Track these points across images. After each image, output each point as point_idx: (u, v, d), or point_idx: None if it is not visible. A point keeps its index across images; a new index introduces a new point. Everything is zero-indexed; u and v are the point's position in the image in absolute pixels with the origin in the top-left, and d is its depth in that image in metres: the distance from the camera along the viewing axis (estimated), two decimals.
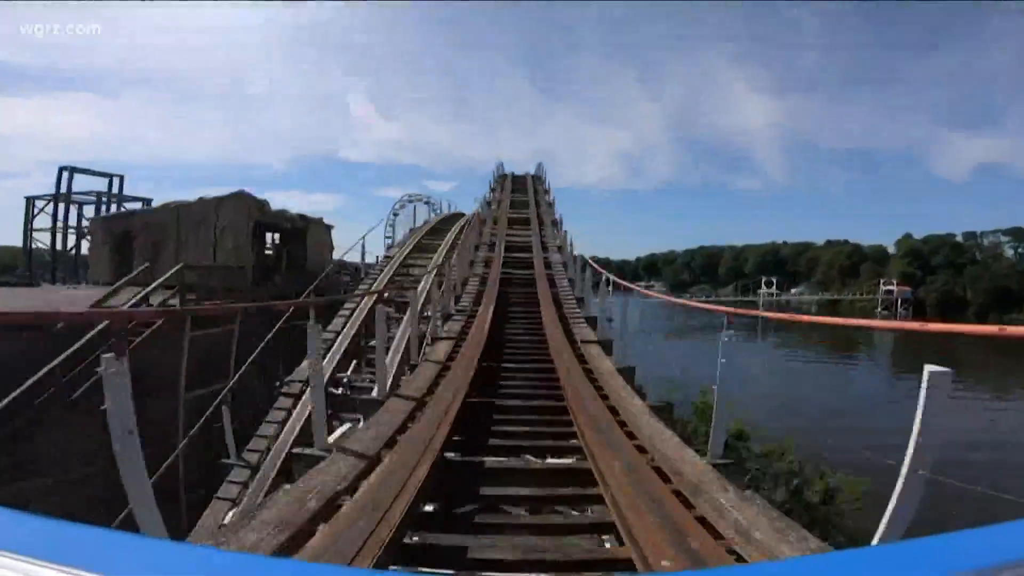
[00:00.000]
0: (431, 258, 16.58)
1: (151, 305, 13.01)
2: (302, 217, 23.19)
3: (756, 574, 0.81)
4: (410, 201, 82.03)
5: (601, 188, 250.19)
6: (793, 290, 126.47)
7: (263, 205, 20.45)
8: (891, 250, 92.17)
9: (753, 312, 8.44)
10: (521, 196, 26.49)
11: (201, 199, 19.90)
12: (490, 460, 3.45)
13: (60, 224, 29.71)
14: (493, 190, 27.58)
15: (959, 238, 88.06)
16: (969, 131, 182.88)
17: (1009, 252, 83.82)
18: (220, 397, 9.35)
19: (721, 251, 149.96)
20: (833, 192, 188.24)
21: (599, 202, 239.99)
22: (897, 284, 74.97)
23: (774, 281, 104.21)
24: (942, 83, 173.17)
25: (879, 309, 75.41)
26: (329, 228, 24.94)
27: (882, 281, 76.95)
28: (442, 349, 6.73)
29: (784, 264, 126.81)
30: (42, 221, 30.18)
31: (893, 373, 38.60)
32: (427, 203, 78.61)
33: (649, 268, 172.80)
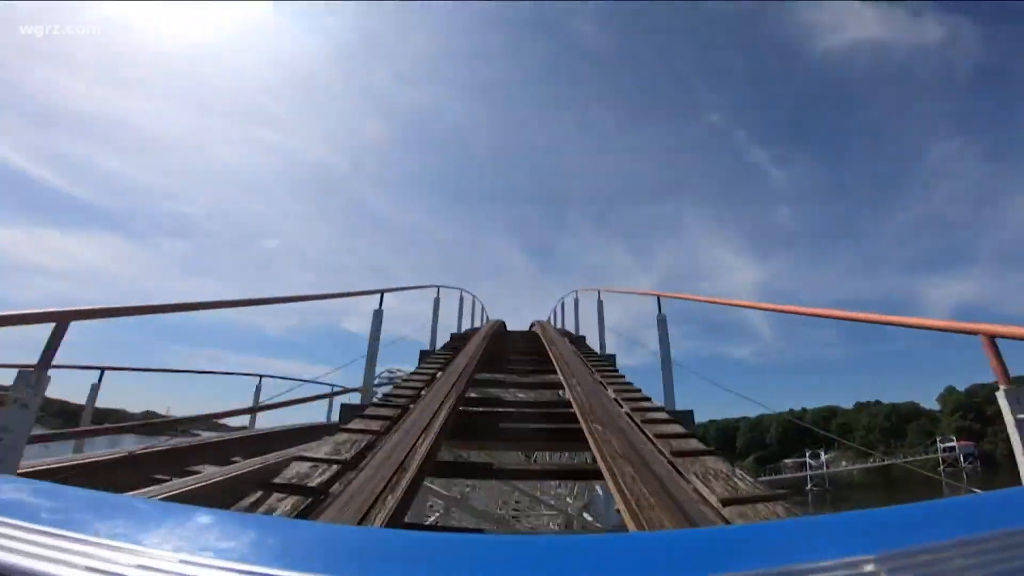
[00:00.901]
0: None
1: None
2: None
3: (737, 534, 0.83)
4: (389, 380, 75.15)
5: None
6: (823, 455, 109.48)
7: None
8: (924, 405, 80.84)
9: None
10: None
11: None
12: None
13: None
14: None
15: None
16: (940, 274, 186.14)
17: None
18: None
19: (736, 422, 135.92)
20: (825, 353, 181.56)
21: None
22: (958, 440, 62.55)
23: (821, 451, 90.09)
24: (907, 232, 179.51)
25: (942, 467, 61.63)
26: None
27: (939, 439, 64.38)
28: None
29: (808, 431, 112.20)
30: None
31: None
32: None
33: None
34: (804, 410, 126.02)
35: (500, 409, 4.62)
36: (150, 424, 6.89)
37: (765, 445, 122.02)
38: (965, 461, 61.88)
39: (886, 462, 61.16)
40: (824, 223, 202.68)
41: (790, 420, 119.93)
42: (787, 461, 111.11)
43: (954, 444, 62.89)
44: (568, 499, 8.69)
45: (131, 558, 0.60)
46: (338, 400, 9.57)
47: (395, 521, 2.07)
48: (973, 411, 67.64)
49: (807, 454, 63.08)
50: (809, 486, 56.19)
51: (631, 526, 2.03)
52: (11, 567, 0.60)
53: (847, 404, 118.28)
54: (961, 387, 74.87)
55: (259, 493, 2.05)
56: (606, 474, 2.53)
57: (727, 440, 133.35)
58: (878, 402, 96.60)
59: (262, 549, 0.65)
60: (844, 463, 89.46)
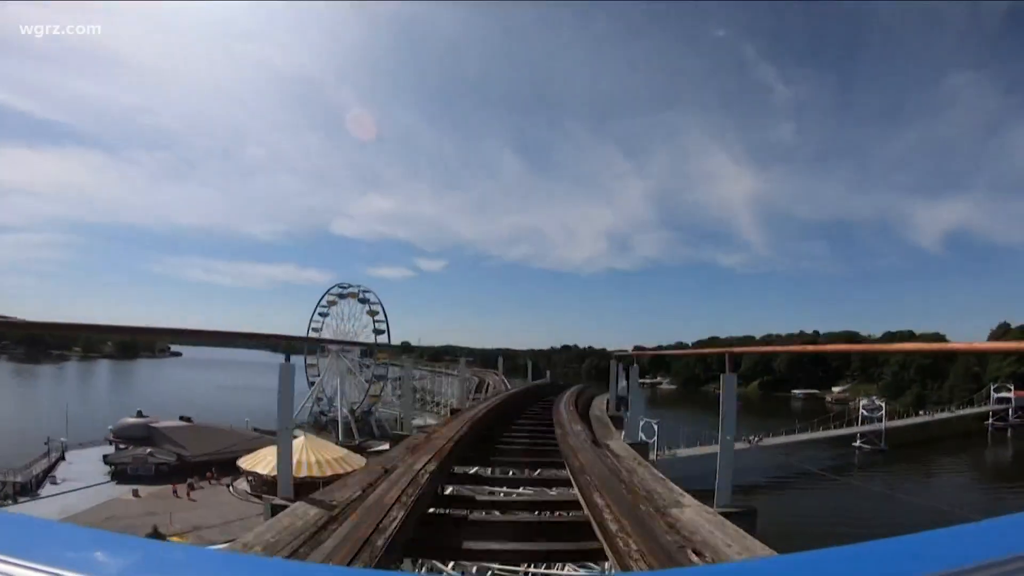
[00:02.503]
0: None
1: None
2: None
3: (735, 572, 0.85)
4: (342, 295, 62.92)
5: (587, 268, 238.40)
6: (836, 389, 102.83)
7: None
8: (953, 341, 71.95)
9: None
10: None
11: None
12: None
13: None
14: None
15: None
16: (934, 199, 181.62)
17: None
18: None
19: (741, 342, 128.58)
20: (817, 269, 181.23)
21: (585, 283, 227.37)
22: (1015, 391, 53.62)
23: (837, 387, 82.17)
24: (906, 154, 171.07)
25: (990, 422, 53.71)
26: None
27: (993, 387, 55.38)
28: None
29: (823, 359, 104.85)
30: None
31: None
32: (362, 300, 58.60)
33: (656, 361, 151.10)
34: (816, 334, 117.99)
35: None
36: None
37: (772, 370, 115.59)
38: (1014, 415, 53.90)
39: (935, 416, 53.07)
40: (826, 141, 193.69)
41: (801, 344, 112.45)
42: (797, 392, 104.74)
43: (1010, 396, 54.15)
44: None
45: None
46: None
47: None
48: None
49: (862, 404, 53.47)
50: (858, 442, 47.33)
51: None
52: None
53: (870, 331, 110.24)
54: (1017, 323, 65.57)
55: None
56: None
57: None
58: (912, 333, 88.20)
59: None
60: (863, 399, 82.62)
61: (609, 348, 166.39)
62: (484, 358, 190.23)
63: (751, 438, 48.17)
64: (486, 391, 44.69)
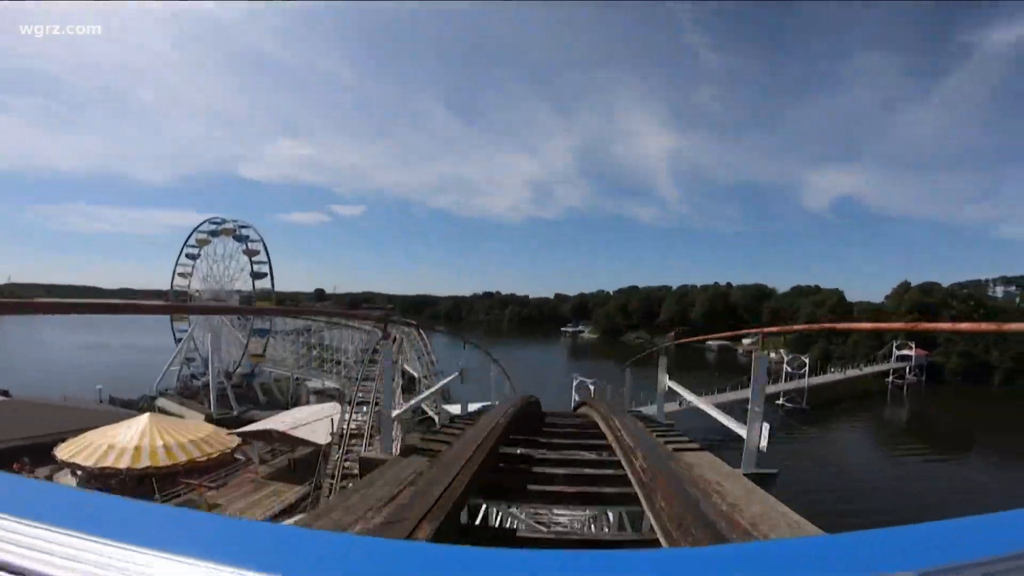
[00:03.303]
0: None
1: None
2: None
3: (754, 552, 0.84)
4: (214, 233, 52.02)
5: (511, 216, 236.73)
6: (746, 341, 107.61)
7: None
8: (872, 301, 75.48)
9: None
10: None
11: None
12: None
13: None
14: None
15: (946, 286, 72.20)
16: (829, 168, 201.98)
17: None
18: None
19: (659, 292, 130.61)
20: (728, 228, 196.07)
21: (509, 231, 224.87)
22: (915, 348, 55.77)
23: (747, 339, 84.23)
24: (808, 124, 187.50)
25: (890, 379, 55.98)
26: None
27: (895, 344, 57.23)
28: None
29: (735, 310, 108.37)
30: None
31: None
32: (239, 238, 49.21)
33: (578, 310, 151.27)
34: (730, 286, 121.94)
35: None
36: None
37: (689, 320, 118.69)
38: (910, 373, 56.73)
39: (848, 373, 53.89)
40: (746, 108, 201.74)
41: (716, 296, 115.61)
42: (711, 343, 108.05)
43: (911, 353, 56.52)
44: None
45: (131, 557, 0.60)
46: None
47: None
48: (927, 313, 61.51)
49: (786, 359, 51.92)
50: (781, 400, 45.89)
51: None
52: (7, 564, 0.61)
53: (779, 285, 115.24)
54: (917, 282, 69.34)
55: None
56: None
57: (649, 312, 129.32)
58: (818, 288, 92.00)
59: (273, 555, 0.64)
60: (770, 353, 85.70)
61: (532, 296, 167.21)
62: (405, 305, 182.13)
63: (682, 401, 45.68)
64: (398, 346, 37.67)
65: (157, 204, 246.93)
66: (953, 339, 57.18)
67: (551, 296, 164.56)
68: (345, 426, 23.48)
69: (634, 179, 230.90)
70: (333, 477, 19.98)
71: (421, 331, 55.31)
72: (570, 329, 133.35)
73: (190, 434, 29.73)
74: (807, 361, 48.60)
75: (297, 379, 49.23)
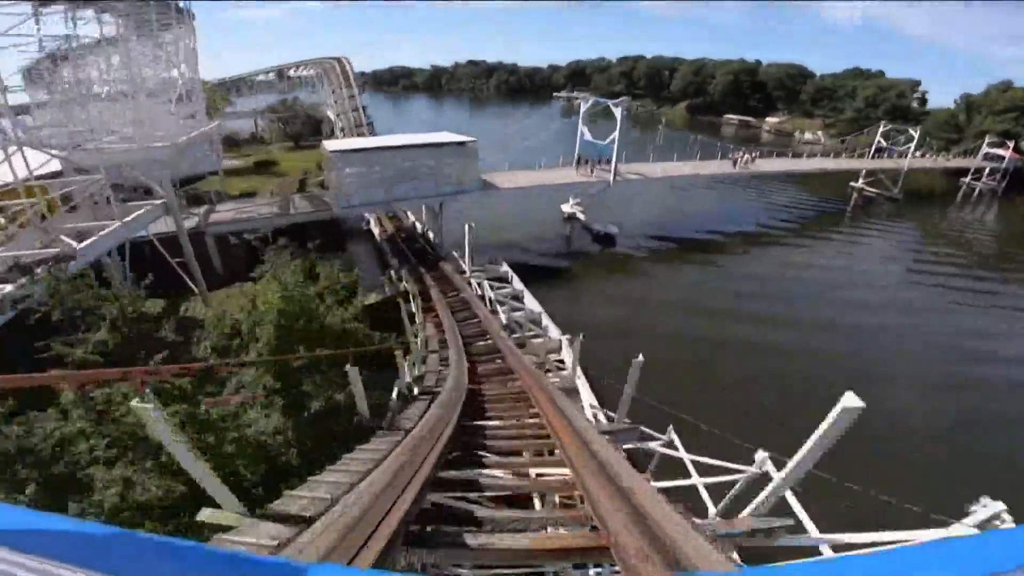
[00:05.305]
0: None
1: None
2: None
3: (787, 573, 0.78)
4: None
5: None
6: (771, 120, 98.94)
7: None
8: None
9: None
10: None
11: None
12: None
13: None
14: None
15: None
16: None
17: None
18: None
19: (671, 63, 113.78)
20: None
21: None
22: (1012, 150, 50.12)
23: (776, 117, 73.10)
24: None
25: (967, 179, 51.48)
26: None
27: (987, 141, 51.20)
28: None
29: (764, 87, 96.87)
30: None
31: None
32: None
33: (575, 77, 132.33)
34: (758, 63, 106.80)
35: None
36: None
37: (704, 93, 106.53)
38: (988, 176, 50.36)
39: (943, 161, 46.93)
40: None
41: (742, 71, 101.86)
42: (730, 116, 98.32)
43: (1004, 154, 50.99)
44: None
45: None
46: None
47: None
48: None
49: (879, 133, 43.16)
50: (860, 182, 39.38)
51: None
52: None
53: (827, 68, 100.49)
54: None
55: None
56: None
57: (658, 82, 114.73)
58: (881, 73, 79.74)
59: None
60: (806, 134, 78.26)
61: (521, 64, 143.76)
62: (377, 79, 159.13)
63: (741, 154, 37.27)
64: None
65: None
66: None
67: (544, 67, 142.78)
68: None
69: None
70: None
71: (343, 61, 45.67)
72: (564, 95, 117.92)
73: None
74: (915, 135, 40.50)
75: None
